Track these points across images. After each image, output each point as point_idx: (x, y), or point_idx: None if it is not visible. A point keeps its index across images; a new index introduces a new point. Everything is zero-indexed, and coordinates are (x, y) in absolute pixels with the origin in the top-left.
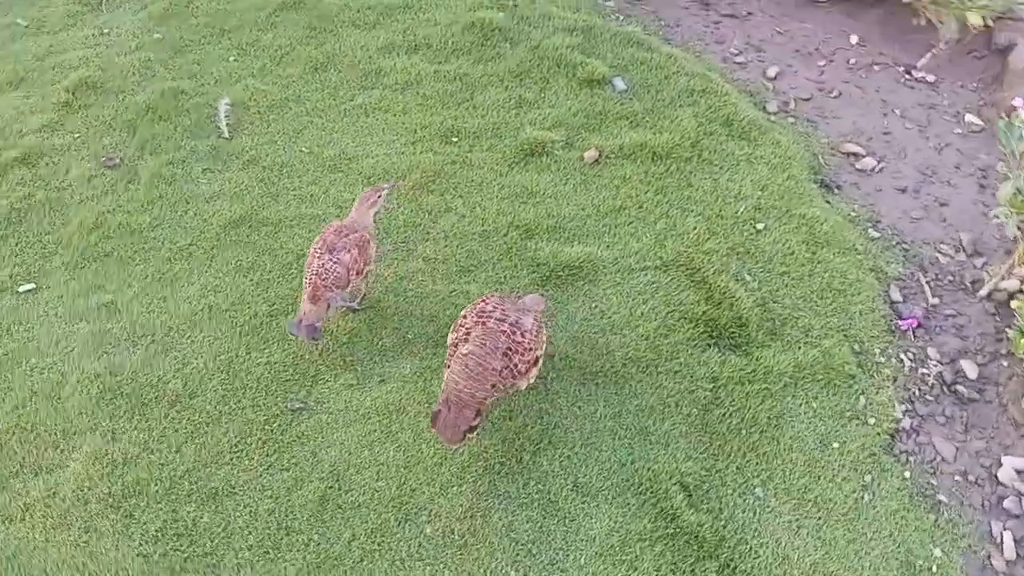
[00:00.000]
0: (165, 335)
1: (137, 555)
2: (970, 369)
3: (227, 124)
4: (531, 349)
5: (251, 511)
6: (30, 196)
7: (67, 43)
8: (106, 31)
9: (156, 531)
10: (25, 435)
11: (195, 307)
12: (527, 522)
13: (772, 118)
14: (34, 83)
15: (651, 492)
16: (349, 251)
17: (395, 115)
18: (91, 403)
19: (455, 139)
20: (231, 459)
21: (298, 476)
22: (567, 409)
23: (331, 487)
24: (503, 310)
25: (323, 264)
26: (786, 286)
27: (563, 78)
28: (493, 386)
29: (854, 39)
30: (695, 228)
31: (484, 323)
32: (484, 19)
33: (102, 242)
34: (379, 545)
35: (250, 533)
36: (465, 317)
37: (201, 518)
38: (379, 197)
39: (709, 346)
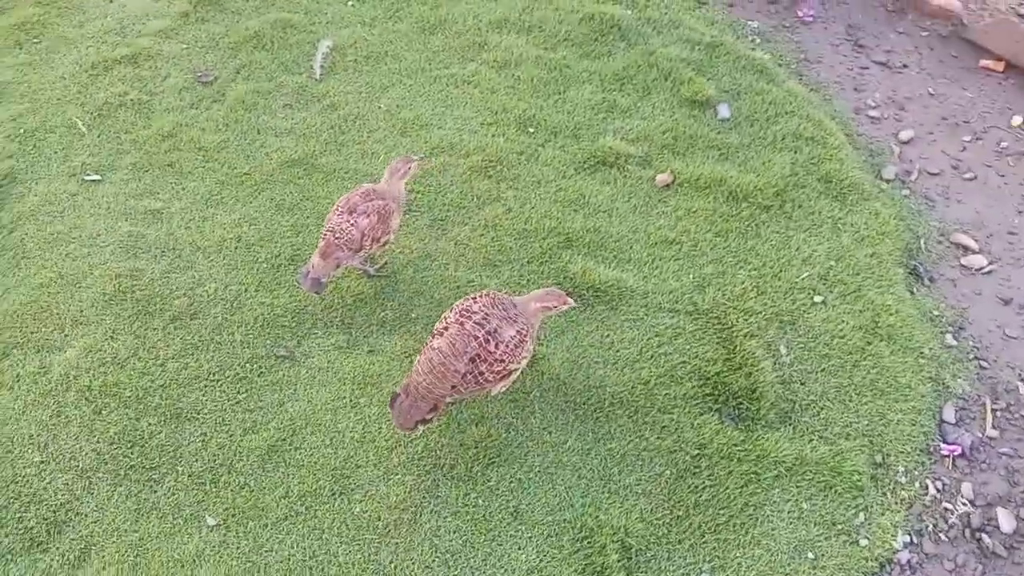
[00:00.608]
0: (191, 254)
1: (92, 451)
2: (1006, 520)
3: (321, 66)
4: (503, 361)
5: (203, 441)
6: (124, 94)
7: None
8: None
9: (115, 434)
10: (40, 313)
11: (227, 234)
12: (455, 532)
13: (883, 185)
14: None
15: (589, 541)
16: (368, 216)
17: (482, 92)
18: (104, 299)
19: (531, 130)
20: (205, 386)
21: (258, 420)
22: (537, 432)
23: (283, 440)
24: (486, 315)
25: (340, 223)
26: (822, 370)
27: (665, 92)
28: (453, 387)
29: (1016, 120)
30: (744, 282)
31: (463, 323)
32: (606, 14)
33: (170, 152)
34: (306, 509)
35: (196, 461)
36: (451, 310)
37: (158, 434)
38: (409, 168)
39: (709, 410)
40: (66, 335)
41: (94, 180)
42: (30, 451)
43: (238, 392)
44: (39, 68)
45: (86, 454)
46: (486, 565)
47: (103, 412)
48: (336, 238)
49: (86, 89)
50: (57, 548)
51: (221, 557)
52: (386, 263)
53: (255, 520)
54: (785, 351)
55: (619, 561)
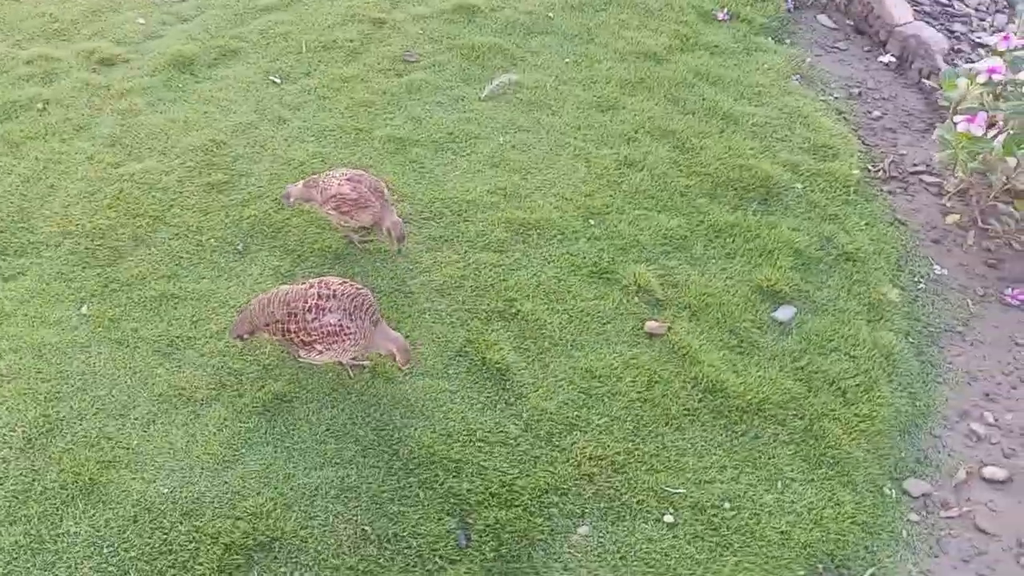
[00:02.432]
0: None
1: (77, 315)
2: None
3: (491, 89)
4: (310, 335)
5: None
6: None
7: None
8: None
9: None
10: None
11: (310, 152)
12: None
13: None
14: None
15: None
16: (368, 203)
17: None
18: (177, 182)
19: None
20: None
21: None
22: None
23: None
24: (336, 297)
25: (346, 179)
26: None
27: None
28: (267, 325)
29: None
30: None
31: (313, 286)
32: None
33: (349, 84)
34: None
35: None
36: (336, 281)
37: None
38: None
39: None
40: (153, 222)
41: (275, 82)
42: None
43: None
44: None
45: (71, 320)
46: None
47: (81, 282)
48: (325, 185)
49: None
50: None
51: None
52: (371, 241)
53: None
54: None
55: None
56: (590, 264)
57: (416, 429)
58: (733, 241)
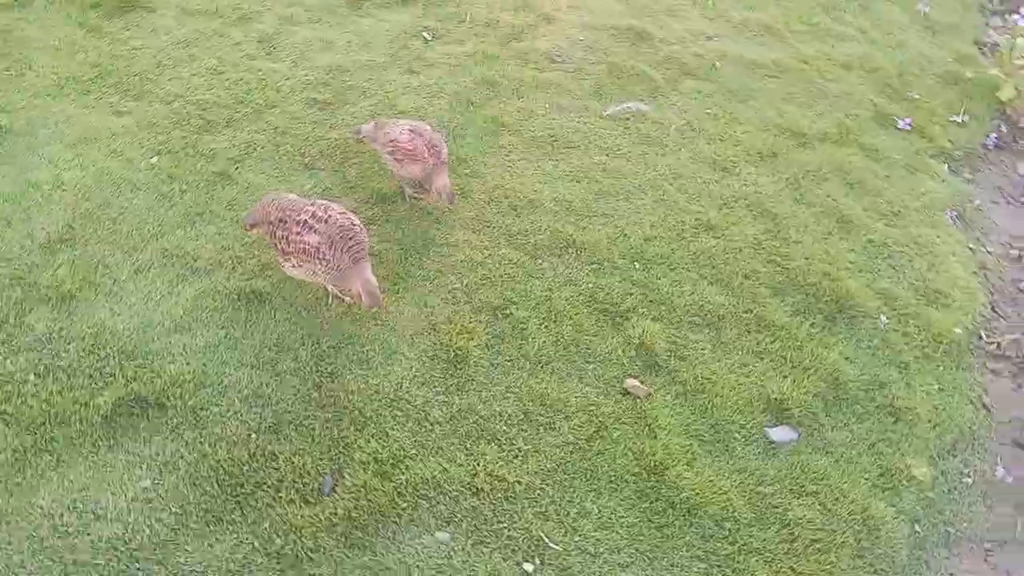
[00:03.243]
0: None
1: (147, 161)
2: None
3: (615, 110)
4: (289, 245)
5: None
6: None
7: None
8: None
9: None
10: None
11: (415, 106)
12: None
13: None
14: None
15: None
16: (420, 157)
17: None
18: (289, 89)
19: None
20: None
21: None
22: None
23: None
24: (328, 219)
25: (408, 129)
26: None
27: None
28: (265, 223)
29: None
30: None
31: (320, 206)
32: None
33: (488, 62)
34: None
35: None
36: (340, 207)
37: None
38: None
39: None
40: None
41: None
42: None
43: None
44: None
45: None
46: None
47: None
48: (390, 127)
49: None
50: None
51: None
52: (420, 199)
53: None
54: None
55: None
56: (608, 302)
57: (352, 375)
58: (772, 343)
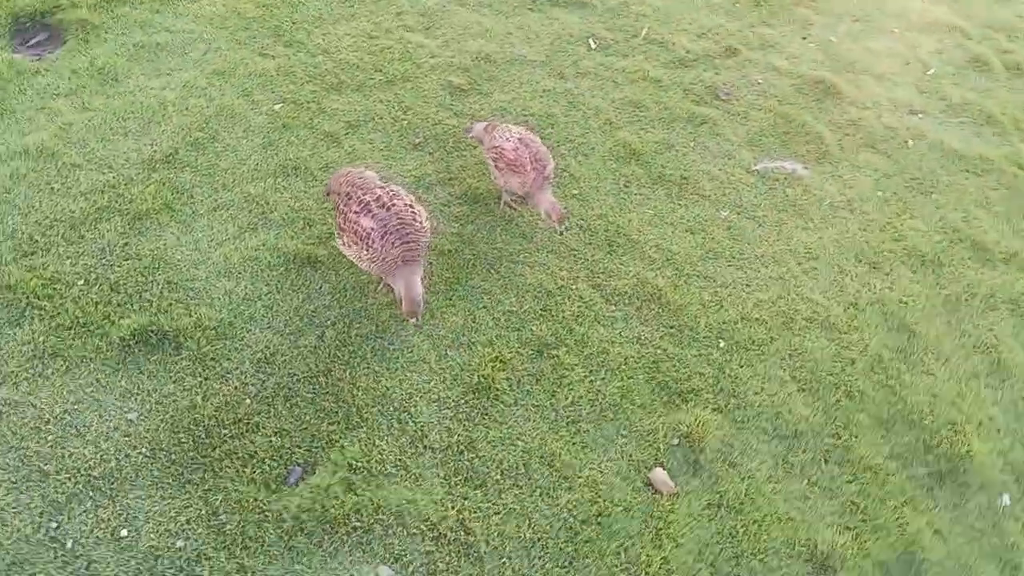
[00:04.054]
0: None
1: (270, 107)
2: None
3: (765, 166)
4: (346, 220)
5: None
6: None
7: None
8: None
9: None
10: None
11: (547, 113)
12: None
13: None
14: None
15: None
16: (522, 169)
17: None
18: (430, 68)
19: None
20: None
21: None
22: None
23: None
24: (390, 207)
25: (516, 138)
26: None
27: None
28: (335, 193)
29: None
30: None
31: (391, 193)
32: None
33: (646, 84)
34: None
35: None
36: (409, 196)
37: None
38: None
39: None
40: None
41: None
42: None
43: None
44: None
45: None
46: None
47: None
48: (499, 132)
49: None
50: None
51: None
52: (516, 211)
53: None
54: None
55: None
56: (671, 375)
57: (367, 370)
58: (849, 482)
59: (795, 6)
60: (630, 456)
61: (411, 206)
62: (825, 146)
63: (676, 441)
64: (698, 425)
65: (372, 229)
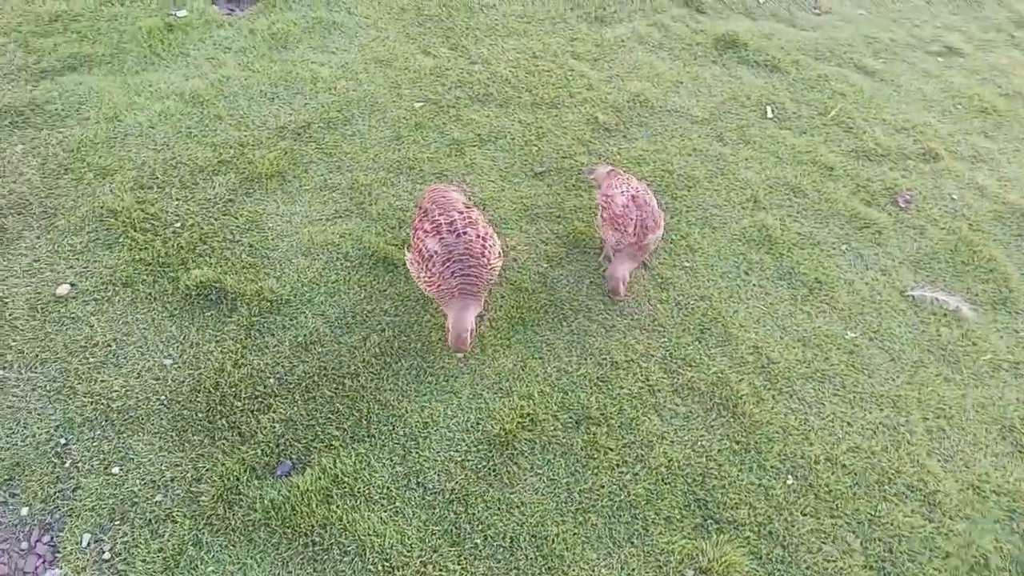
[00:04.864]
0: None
1: (411, 104)
2: None
3: (922, 293)
4: (417, 237)
5: None
6: None
7: None
8: None
9: None
10: None
11: (688, 165)
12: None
13: None
14: None
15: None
16: (623, 228)
17: None
18: (583, 100)
19: None
20: None
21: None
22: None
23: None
24: (461, 236)
25: (631, 194)
26: None
27: None
28: (420, 208)
29: None
30: None
31: (470, 222)
32: None
33: (805, 157)
34: None
35: None
36: (491, 230)
37: None
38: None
39: None
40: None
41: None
42: None
43: None
44: None
45: None
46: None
47: None
48: (616, 181)
49: None
50: None
51: None
52: (608, 259)
53: None
54: None
55: None
56: (716, 497)
57: (394, 387)
58: None
59: None
60: (631, 571)
61: (483, 238)
62: (1008, 290)
63: (691, 573)
64: (723, 564)
65: (436, 252)
